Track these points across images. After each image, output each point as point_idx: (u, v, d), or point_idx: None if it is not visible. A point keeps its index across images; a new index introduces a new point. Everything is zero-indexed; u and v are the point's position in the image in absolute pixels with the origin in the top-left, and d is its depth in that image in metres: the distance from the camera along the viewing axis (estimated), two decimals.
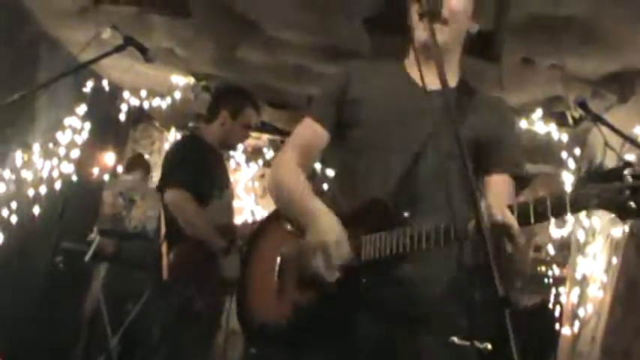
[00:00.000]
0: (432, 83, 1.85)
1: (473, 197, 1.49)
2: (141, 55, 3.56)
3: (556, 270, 6.24)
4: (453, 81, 2.17)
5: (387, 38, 4.21)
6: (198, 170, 4.03)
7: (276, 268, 2.10)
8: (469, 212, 1.67)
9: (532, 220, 1.70)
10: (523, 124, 5.45)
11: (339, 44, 4.88)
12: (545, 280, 6.25)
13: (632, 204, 1.57)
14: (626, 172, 1.65)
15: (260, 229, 2.32)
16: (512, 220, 1.69)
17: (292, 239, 2.06)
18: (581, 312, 5.14)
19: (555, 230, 6.06)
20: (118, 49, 3.46)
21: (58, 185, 5.55)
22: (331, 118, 2.21)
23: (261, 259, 2.19)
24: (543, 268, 6.39)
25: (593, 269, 5.09)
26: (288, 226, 2.13)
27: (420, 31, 2.03)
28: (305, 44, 4.99)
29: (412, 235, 1.83)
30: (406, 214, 1.91)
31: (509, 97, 5.22)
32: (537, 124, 5.49)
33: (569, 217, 5.68)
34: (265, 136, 6.92)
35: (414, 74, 2.13)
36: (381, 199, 1.96)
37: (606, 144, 4.05)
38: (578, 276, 5.26)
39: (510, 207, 1.72)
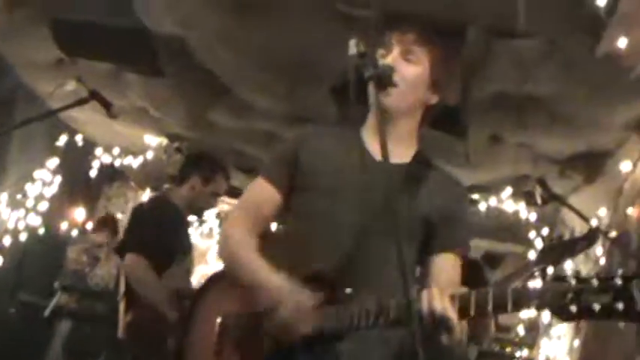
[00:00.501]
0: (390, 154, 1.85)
1: (406, 284, 1.53)
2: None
3: (524, 352, 6.16)
4: (408, 152, 2.15)
5: (353, 107, 4.35)
6: (161, 234, 4.04)
7: (217, 329, 2.10)
8: (414, 295, 1.67)
9: (471, 314, 1.69)
10: (492, 201, 5.64)
11: (308, 111, 5.02)
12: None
13: (574, 308, 1.56)
14: (571, 274, 1.64)
15: (202, 290, 2.33)
16: (451, 312, 1.68)
17: (234, 301, 2.08)
18: None
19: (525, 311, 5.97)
20: (81, 102, 3.56)
21: (23, 237, 5.64)
22: (283, 180, 2.17)
23: (202, 320, 2.20)
24: (510, 349, 6.28)
25: (557, 352, 5.18)
26: (232, 288, 2.12)
27: (372, 95, 1.99)
28: (275, 110, 5.15)
29: (352, 314, 1.81)
30: (349, 291, 1.89)
31: (476, 174, 5.46)
32: (506, 203, 5.63)
33: None
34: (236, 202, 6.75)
35: (370, 144, 2.13)
36: (324, 273, 1.94)
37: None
38: (542, 358, 5.27)
39: (452, 297, 1.71)
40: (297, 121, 5.16)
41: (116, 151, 6.39)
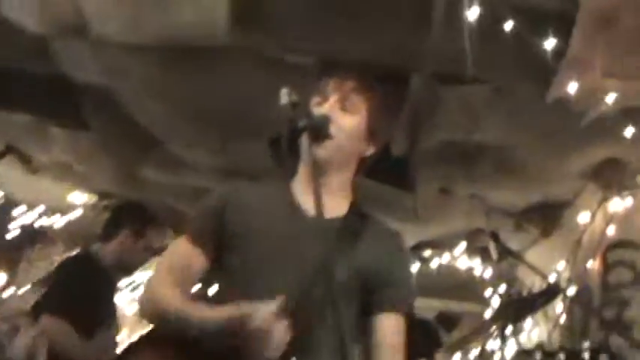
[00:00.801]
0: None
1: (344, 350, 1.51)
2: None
3: None
4: (342, 205, 2.07)
5: (285, 159, 4.18)
6: (83, 297, 3.77)
7: None
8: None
9: None
10: (445, 258, 5.51)
11: (244, 166, 4.87)
12: None
13: None
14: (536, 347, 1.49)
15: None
16: None
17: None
18: None
19: None
20: None
21: None
22: (209, 240, 2.06)
23: None
24: None
25: None
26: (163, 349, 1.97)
27: (304, 147, 1.99)
28: (209, 164, 4.97)
29: None
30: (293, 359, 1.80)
31: (426, 229, 5.38)
32: (460, 259, 5.51)
33: None
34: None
35: (302, 198, 2.05)
36: None
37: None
38: None
39: None
40: (231, 176, 5.02)
41: (39, 209, 6.10)
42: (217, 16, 3.57)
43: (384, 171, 4.23)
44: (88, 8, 3.65)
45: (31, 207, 6.10)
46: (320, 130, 1.93)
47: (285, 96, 1.79)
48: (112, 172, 5.40)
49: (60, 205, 6.02)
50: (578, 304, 4.57)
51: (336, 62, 3.68)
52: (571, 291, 4.54)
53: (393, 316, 2.02)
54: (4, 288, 6.38)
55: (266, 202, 2.06)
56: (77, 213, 5.90)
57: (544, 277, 3.99)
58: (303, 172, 2.07)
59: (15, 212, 6.12)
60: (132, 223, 4.15)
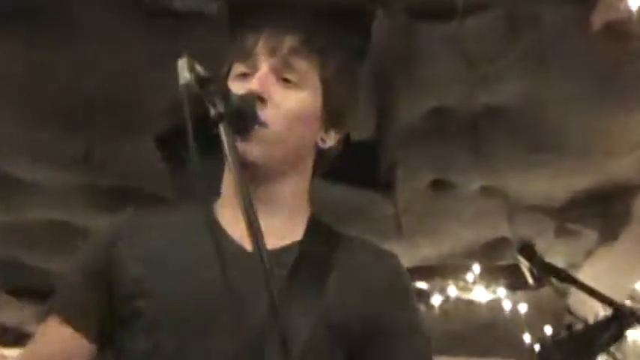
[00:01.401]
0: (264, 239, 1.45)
1: None
2: None
3: None
4: (296, 227, 1.72)
5: (194, 167, 3.73)
6: None
7: None
8: None
9: None
10: (451, 291, 4.81)
11: (122, 182, 4.26)
12: None
13: None
14: None
15: None
16: None
17: None
18: None
19: None
20: None
21: None
22: (89, 314, 1.71)
23: None
24: None
25: None
26: None
27: (226, 147, 1.49)
28: (66, 187, 4.34)
29: None
30: None
31: (415, 247, 4.75)
32: (476, 291, 4.71)
33: None
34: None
35: (230, 225, 1.70)
36: None
37: None
38: None
39: None
40: (109, 200, 4.33)
41: None
42: None
43: (347, 167, 3.64)
44: None
45: None
46: (248, 118, 1.56)
47: (184, 69, 1.42)
48: None
49: None
50: None
51: (259, 5, 3.06)
52: None
53: None
54: None
55: (175, 240, 1.71)
56: None
57: (611, 303, 2.87)
58: (228, 183, 1.77)
59: None
60: None
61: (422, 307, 5.45)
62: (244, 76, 1.72)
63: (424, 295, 5.25)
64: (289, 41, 1.75)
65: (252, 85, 1.66)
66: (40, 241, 4.91)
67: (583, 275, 4.58)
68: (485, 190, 4.41)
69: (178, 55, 1.47)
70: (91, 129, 4.03)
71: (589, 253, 4.61)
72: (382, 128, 4.02)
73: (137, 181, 4.27)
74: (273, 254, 1.52)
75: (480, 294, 4.73)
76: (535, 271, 3.87)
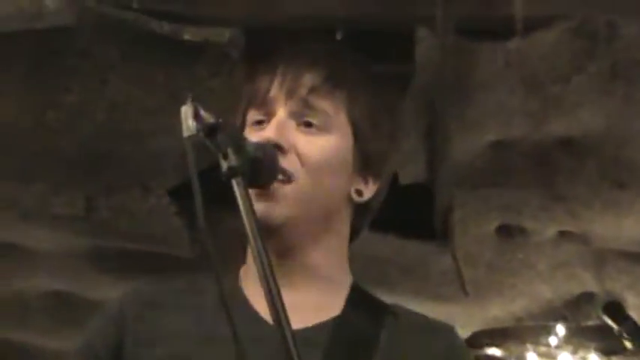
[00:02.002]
0: (297, 316, 1.35)
1: None
2: None
3: None
4: (335, 300, 1.58)
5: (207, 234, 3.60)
6: None
7: None
8: None
9: None
10: (531, 358, 4.59)
11: (132, 244, 3.95)
12: None
13: None
14: None
15: None
16: None
17: None
18: None
19: None
20: None
21: None
22: None
23: None
24: None
25: None
26: None
27: (242, 209, 1.37)
28: (65, 247, 4.00)
29: None
30: None
31: (482, 307, 4.33)
32: (561, 357, 4.44)
33: None
34: None
35: (257, 300, 1.56)
36: None
37: None
38: None
39: None
40: (114, 264, 4.02)
41: None
42: None
43: (393, 214, 3.35)
44: None
45: None
46: (267, 170, 1.45)
47: (189, 117, 1.29)
48: None
49: None
50: None
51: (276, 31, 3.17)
52: None
53: None
54: None
55: (195, 317, 1.60)
56: None
57: None
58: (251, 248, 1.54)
59: None
60: None
61: None
62: (260, 123, 1.60)
63: None
64: (309, 79, 1.62)
65: (268, 132, 1.55)
66: (37, 315, 4.57)
67: None
68: (564, 236, 3.92)
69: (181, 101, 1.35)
70: (93, 177, 3.73)
71: None
72: (435, 169, 3.63)
73: (148, 243, 3.97)
74: (306, 333, 1.46)
75: None
76: (624, 332, 3.76)
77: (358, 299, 1.65)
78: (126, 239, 3.94)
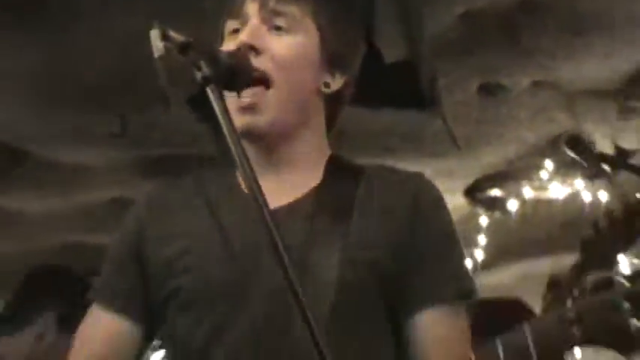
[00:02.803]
0: (280, 194, 1.60)
1: None
2: None
3: None
4: (311, 177, 1.71)
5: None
6: None
7: None
8: None
9: None
10: (527, 192, 4.72)
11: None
12: None
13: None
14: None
15: None
16: None
17: None
18: None
19: None
20: None
21: None
22: (134, 296, 1.72)
23: None
24: None
25: None
26: None
27: (233, 112, 1.47)
28: (112, 162, 4.33)
29: None
30: None
31: (477, 158, 4.68)
32: (552, 187, 4.54)
33: None
34: None
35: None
36: None
37: None
38: None
39: None
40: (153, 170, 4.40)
41: None
42: None
43: (386, 89, 4.02)
44: None
45: None
46: (243, 72, 1.53)
47: (157, 38, 1.36)
48: None
49: None
50: None
51: None
52: None
53: (437, 313, 1.66)
54: None
55: (200, 213, 1.70)
56: None
57: None
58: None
59: None
60: (58, 300, 3.21)
61: (499, 217, 5.14)
62: (236, 32, 1.70)
63: (499, 203, 5.08)
64: None
65: (243, 36, 1.64)
66: (101, 220, 4.85)
67: None
68: (538, 85, 4.25)
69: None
70: (121, 99, 3.97)
71: None
72: (415, 45, 3.86)
73: (180, 147, 4.26)
74: (292, 205, 1.62)
75: (557, 190, 4.53)
76: (584, 161, 4.02)
77: (335, 168, 1.79)
78: (160, 147, 4.19)
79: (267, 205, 1.33)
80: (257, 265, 1.61)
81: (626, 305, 2.25)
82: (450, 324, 1.69)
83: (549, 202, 4.75)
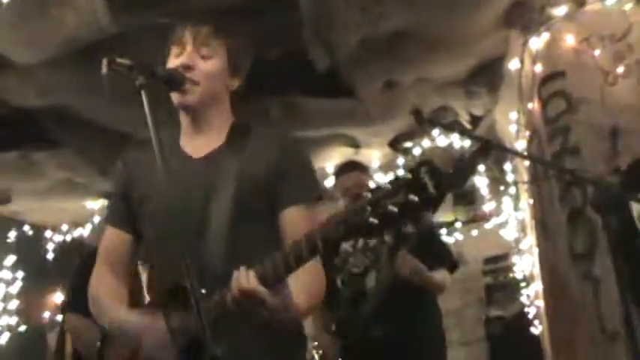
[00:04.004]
0: (204, 149, 2.20)
1: (186, 267, 1.70)
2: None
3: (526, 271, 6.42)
4: (221, 136, 2.28)
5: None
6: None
7: None
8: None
9: (282, 274, 1.85)
10: (426, 143, 5.99)
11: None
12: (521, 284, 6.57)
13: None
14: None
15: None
16: (254, 284, 1.83)
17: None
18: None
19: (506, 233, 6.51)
20: None
21: (4, 339, 6.33)
22: (124, 217, 2.32)
23: None
24: (513, 276, 6.72)
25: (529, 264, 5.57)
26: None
27: (173, 96, 2.20)
28: None
29: (207, 309, 1.81)
30: (203, 291, 1.84)
31: (393, 123, 5.76)
32: (438, 139, 5.98)
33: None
34: None
35: (186, 145, 2.30)
36: (178, 286, 1.94)
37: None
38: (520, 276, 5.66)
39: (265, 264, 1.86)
40: None
41: (64, 227, 7.11)
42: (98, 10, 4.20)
43: (324, 87, 5.32)
44: None
45: (56, 228, 7.04)
46: (177, 79, 2.13)
47: (104, 65, 1.89)
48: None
49: (81, 217, 6.92)
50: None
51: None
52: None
53: (296, 209, 2.18)
54: None
55: (156, 165, 1.96)
56: (97, 219, 6.69)
57: (475, 138, 4.23)
58: (182, 120, 2.33)
59: (45, 236, 7.04)
60: None
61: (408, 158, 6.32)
62: (178, 55, 2.23)
63: (408, 150, 6.33)
64: (204, 30, 2.25)
65: (182, 59, 2.20)
66: None
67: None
68: (420, 81, 5.43)
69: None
70: None
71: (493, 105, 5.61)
72: (333, 58, 4.99)
73: None
74: (209, 155, 2.20)
75: (442, 141, 5.97)
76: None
77: (235, 130, 2.30)
78: None
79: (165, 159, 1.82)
80: (188, 195, 2.11)
81: None
82: (302, 215, 2.18)
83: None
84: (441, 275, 4.05)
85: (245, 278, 1.84)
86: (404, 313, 3.86)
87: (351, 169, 4.23)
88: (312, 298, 2.10)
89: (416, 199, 1.61)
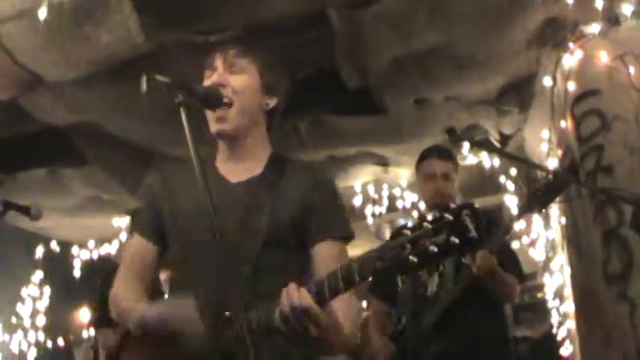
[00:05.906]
0: (241, 175, 2.19)
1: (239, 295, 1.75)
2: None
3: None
4: (258, 165, 2.29)
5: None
6: None
7: None
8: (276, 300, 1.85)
9: (327, 296, 1.82)
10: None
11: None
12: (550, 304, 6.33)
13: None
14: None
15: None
16: (308, 301, 1.80)
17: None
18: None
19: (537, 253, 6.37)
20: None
21: (32, 355, 6.32)
22: (152, 228, 2.32)
23: None
24: (542, 295, 6.62)
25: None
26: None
27: (211, 123, 2.20)
28: None
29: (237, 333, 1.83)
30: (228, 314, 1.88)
31: (420, 141, 5.55)
32: (469, 158, 5.88)
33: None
34: None
35: (222, 168, 2.30)
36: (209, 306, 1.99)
37: None
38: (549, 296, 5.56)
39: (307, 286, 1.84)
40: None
41: (91, 244, 7.13)
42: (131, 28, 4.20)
43: (354, 106, 5.32)
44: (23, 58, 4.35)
45: (83, 245, 7.06)
46: (214, 98, 2.13)
47: (143, 84, 1.91)
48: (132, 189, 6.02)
49: (108, 234, 6.91)
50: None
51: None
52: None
53: (326, 244, 2.20)
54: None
55: (190, 182, 2.03)
56: (124, 235, 6.70)
57: (507, 156, 4.67)
58: (220, 145, 2.34)
59: (72, 253, 7.06)
60: None
61: None
62: (209, 76, 2.25)
63: None
64: (232, 51, 2.29)
65: (214, 77, 2.22)
66: None
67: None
68: (448, 99, 5.34)
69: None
70: None
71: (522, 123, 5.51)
72: (365, 76, 4.94)
73: None
74: (245, 183, 2.18)
75: (471, 159, 5.84)
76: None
77: (273, 161, 2.29)
78: None
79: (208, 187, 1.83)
80: (222, 217, 1.98)
81: None
82: (333, 249, 2.20)
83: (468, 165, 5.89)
84: (513, 279, 3.86)
85: (297, 294, 1.81)
86: (469, 324, 3.70)
87: (434, 155, 4.05)
88: (352, 327, 2.09)
89: (457, 241, 1.61)
